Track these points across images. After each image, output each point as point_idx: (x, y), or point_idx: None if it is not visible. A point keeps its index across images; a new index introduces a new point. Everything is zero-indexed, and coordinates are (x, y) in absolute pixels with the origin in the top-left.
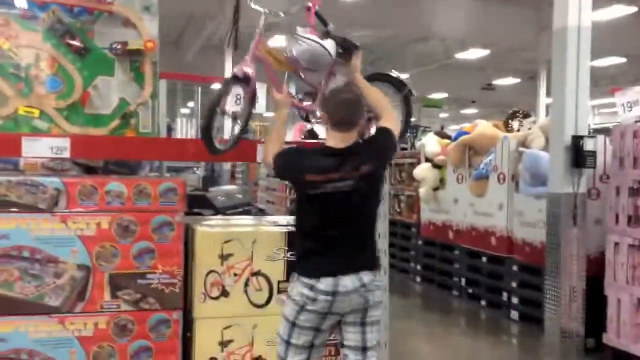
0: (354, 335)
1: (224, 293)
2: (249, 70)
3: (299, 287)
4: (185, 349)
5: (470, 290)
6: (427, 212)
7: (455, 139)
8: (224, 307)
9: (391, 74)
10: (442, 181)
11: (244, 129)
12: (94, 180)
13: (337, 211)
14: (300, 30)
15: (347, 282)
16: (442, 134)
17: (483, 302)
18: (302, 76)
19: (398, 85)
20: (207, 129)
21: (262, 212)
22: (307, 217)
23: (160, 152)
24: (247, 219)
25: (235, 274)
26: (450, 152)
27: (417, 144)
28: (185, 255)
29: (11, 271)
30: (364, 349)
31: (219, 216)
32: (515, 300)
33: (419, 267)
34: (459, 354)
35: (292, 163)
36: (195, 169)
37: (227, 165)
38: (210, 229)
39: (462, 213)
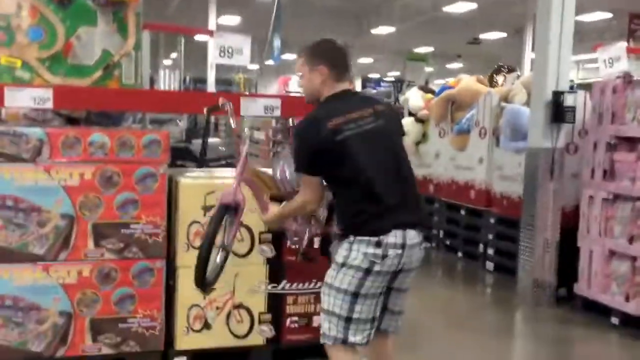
0: (395, 298)
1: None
2: (240, 197)
3: (362, 249)
4: (168, 297)
5: (447, 242)
6: None
7: (439, 93)
8: None
9: None
10: (424, 135)
11: (227, 256)
12: (77, 132)
13: (375, 157)
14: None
15: (412, 234)
16: (426, 89)
17: (460, 254)
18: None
19: None
20: (203, 267)
21: None
22: (353, 179)
23: (143, 104)
24: (230, 171)
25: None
26: (433, 107)
27: (401, 98)
28: (169, 206)
29: None
30: (399, 313)
31: (202, 168)
32: (491, 251)
33: None
34: (434, 303)
35: (312, 140)
36: (178, 121)
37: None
38: (193, 180)
39: (443, 167)
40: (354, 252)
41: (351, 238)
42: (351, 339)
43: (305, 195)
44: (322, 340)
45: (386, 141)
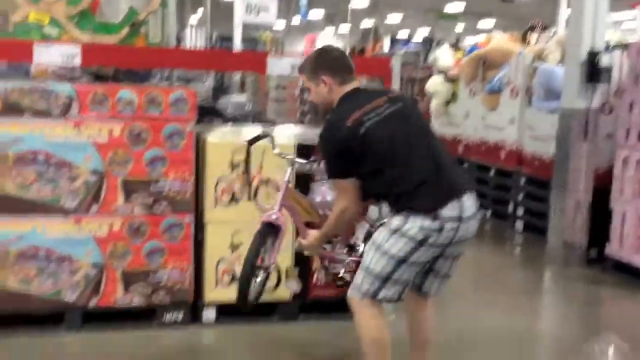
0: (443, 262)
1: (234, 200)
2: (281, 219)
3: (418, 221)
4: (196, 251)
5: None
6: (438, 127)
7: (470, 52)
8: (234, 213)
9: None
10: (454, 95)
11: (268, 277)
12: (105, 88)
13: (404, 136)
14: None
15: (469, 204)
16: (456, 47)
17: (488, 214)
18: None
19: None
20: (246, 286)
21: (272, 123)
22: (388, 164)
23: (169, 61)
24: (256, 129)
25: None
26: (463, 66)
27: (431, 57)
28: (197, 163)
29: (27, 174)
30: (445, 276)
31: (229, 126)
32: (520, 212)
33: None
34: (462, 263)
35: (337, 142)
36: (204, 79)
37: (237, 76)
38: (221, 138)
39: (473, 127)
40: (409, 223)
41: (405, 213)
42: (381, 294)
43: (342, 202)
44: (350, 293)
45: (409, 119)
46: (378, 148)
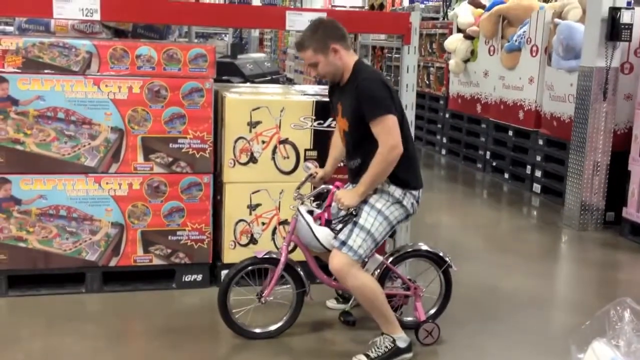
0: None
1: (252, 159)
2: (284, 257)
3: (411, 198)
4: (215, 211)
5: (494, 164)
6: (456, 85)
7: (490, 8)
8: (252, 173)
9: (429, 249)
10: (473, 53)
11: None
12: (125, 44)
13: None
14: (305, 208)
15: None
16: (476, 4)
17: (506, 175)
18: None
19: (437, 260)
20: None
21: (290, 81)
22: (405, 138)
23: (188, 17)
24: (275, 87)
25: (263, 142)
26: (483, 23)
27: (450, 13)
28: (215, 122)
29: (48, 131)
30: None
31: (247, 84)
32: (538, 173)
33: (445, 140)
34: (479, 225)
35: (390, 85)
36: (223, 35)
37: (255, 33)
38: (239, 96)
39: (492, 86)
40: (407, 197)
41: (404, 184)
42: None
43: (390, 140)
44: (345, 251)
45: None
46: (404, 118)
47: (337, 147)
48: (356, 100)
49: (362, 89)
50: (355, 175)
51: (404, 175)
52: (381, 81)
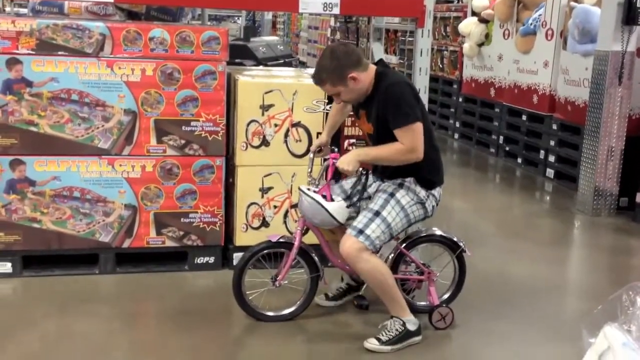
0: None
1: (265, 142)
2: (297, 242)
3: (433, 201)
4: (227, 194)
5: (507, 148)
6: (470, 69)
7: None
8: (265, 156)
9: (443, 234)
10: (487, 37)
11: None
12: (138, 26)
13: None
14: (306, 187)
15: None
16: None
17: (519, 160)
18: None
19: (450, 245)
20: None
21: (303, 65)
22: (428, 139)
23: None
24: (288, 70)
25: (275, 125)
26: (498, 6)
27: None
28: (227, 105)
29: (61, 113)
30: None
31: (260, 67)
32: (552, 158)
33: (458, 124)
34: (491, 209)
35: (415, 91)
36: (236, 18)
37: (268, 16)
38: (252, 79)
39: (506, 70)
40: (430, 199)
41: (428, 185)
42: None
43: (413, 143)
44: (362, 240)
45: None
46: (427, 120)
47: (333, 116)
48: (383, 105)
49: (389, 96)
50: (380, 173)
51: (430, 176)
52: (407, 84)
